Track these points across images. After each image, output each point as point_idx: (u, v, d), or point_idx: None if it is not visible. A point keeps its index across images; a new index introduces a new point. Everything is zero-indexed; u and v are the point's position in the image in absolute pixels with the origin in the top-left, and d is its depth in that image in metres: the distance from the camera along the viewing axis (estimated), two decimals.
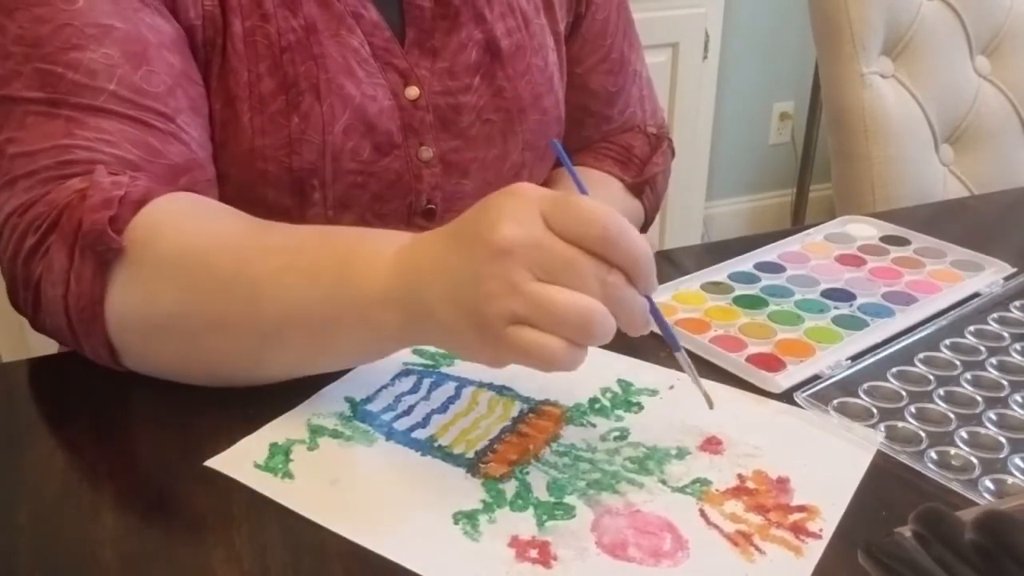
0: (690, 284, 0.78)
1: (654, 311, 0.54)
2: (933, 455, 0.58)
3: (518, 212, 0.50)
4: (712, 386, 0.66)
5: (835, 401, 0.63)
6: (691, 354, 0.69)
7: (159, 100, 0.66)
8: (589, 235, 0.49)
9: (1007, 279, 0.80)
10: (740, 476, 0.57)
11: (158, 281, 0.60)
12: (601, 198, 0.88)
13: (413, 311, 0.54)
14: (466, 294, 0.50)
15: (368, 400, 0.63)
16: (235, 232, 0.62)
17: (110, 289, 0.60)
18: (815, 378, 0.66)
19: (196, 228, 0.62)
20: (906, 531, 0.45)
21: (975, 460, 0.58)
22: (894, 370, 0.67)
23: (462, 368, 0.67)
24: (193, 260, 0.60)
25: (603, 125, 0.94)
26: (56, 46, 0.63)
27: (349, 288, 0.56)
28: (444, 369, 0.67)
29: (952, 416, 0.62)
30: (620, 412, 0.63)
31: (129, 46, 0.65)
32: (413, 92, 0.77)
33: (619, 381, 0.66)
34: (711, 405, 0.58)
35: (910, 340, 0.70)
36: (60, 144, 0.62)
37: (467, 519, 0.53)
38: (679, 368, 0.67)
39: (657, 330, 0.56)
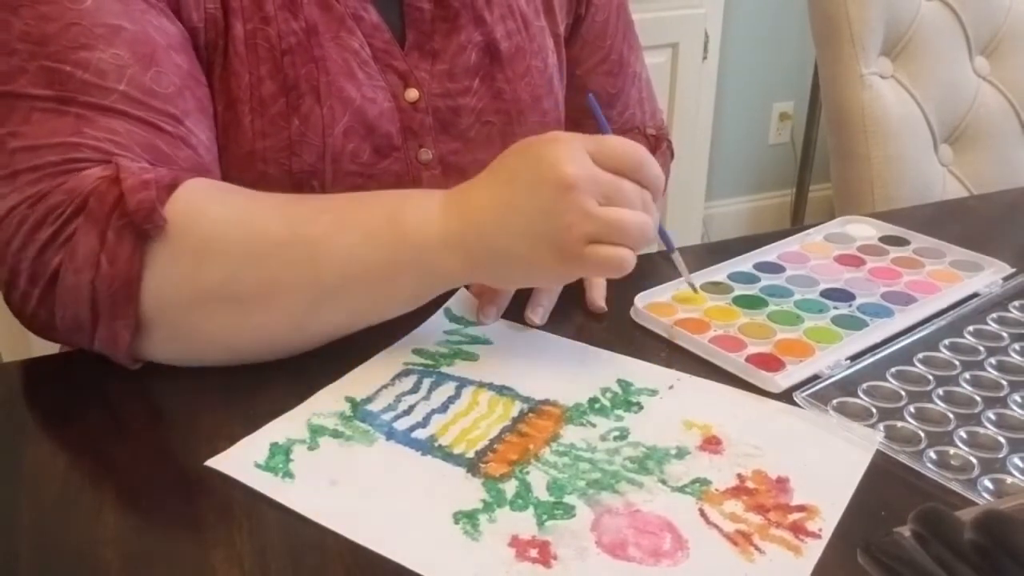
0: (695, 281, 0.78)
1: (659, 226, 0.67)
2: (932, 455, 0.58)
3: (572, 154, 0.61)
4: (712, 386, 0.66)
5: (834, 401, 0.63)
6: (691, 354, 0.69)
7: (169, 102, 0.66)
8: (628, 165, 0.62)
9: (1006, 279, 0.80)
10: (740, 476, 0.57)
11: (208, 250, 0.61)
12: None
13: (480, 252, 0.62)
14: (544, 227, 0.60)
15: (368, 400, 0.63)
16: (278, 201, 0.65)
17: (150, 267, 0.60)
18: (814, 378, 0.66)
19: (238, 200, 0.64)
20: (905, 531, 0.46)
21: (974, 460, 0.58)
22: (893, 370, 0.67)
23: (462, 368, 0.67)
24: (244, 227, 0.62)
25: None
26: (64, 44, 0.63)
27: (407, 238, 0.62)
28: (444, 369, 0.67)
29: (951, 416, 0.62)
30: (620, 412, 0.63)
31: (138, 47, 0.65)
32: (413, 94, 0.78)
33: (619, 381, 0.66)
34: (695, 289, 0.73)
35: (909, 340, 0.71)
36: (69, 141, 0.62)
37: (467, 519, 0.53)
38: (679, 369, 0.67)
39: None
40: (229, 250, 0.62)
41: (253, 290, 0.62)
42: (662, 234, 0.69)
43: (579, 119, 0.93)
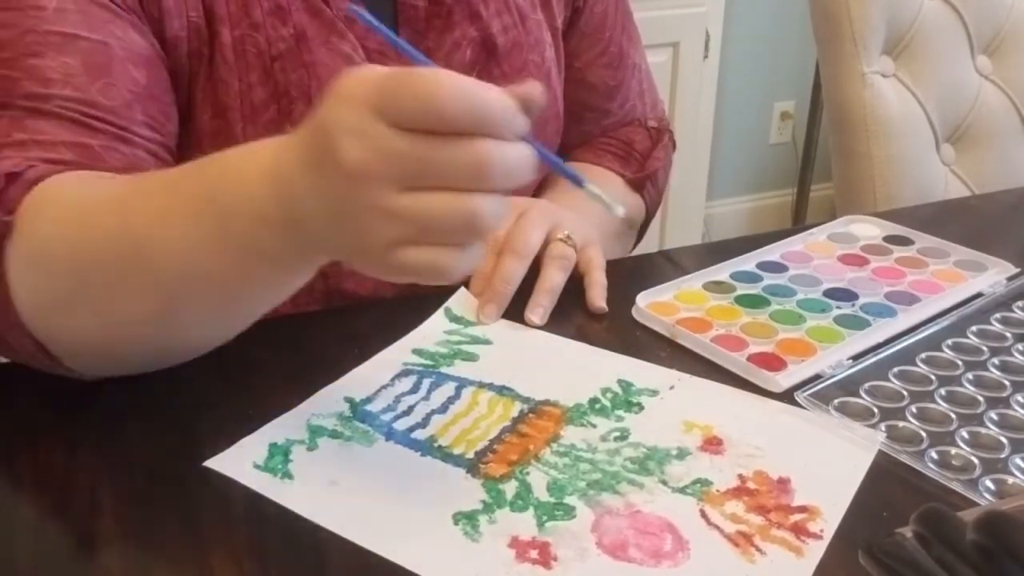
0: (692, 283, 0.78)
1: (542, 154, 0.49)
2: (934, 455, 0.58)
3: (352, 121, 0.45)
4: (713, 386, 0.65)
5: (836, 401, 0.63)
6: (692, 353, 0.69)
7: (113, 112, 0.64)
8: (429, 117, 0.44)
9: (1010, 279, 0.80)
10: (741, 476, 0.57)
11: (48, 255, 0.58)
12: None
13: (297, 235, 0.50)
14: (340, 225, 0.47)
15: (368, 400, 0.63)
16: (115, 188, 0.58)
17: (11, 276, 0.58)
18: (816, 378, 0.65)
19: (80, 193, 0.59)
20: (907, 531, 0.45)
21: (976, 460, 0.58)
22: (895, 370, 0.67)
23: (462, 368, 0.67)
24: (75, 227, 0.57)
25: (603, 119, 0.94)
26: (18, 51, 0.63)
27: (226, 221, 0.51)
28: (444, 369, 0.67)
29: (953, 416, 0.62)
30: (620, 412, 0.62)
31: (92, 57, 0.64)
32: None
33: (619, 381, 0.65)
34: (616, 209, 0.51)
35: (912, 340, 0.70)
36: None
37: (467, 519, 0.53)
38: (679, 368, 0.67)
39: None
40: (66, 254, 0.57)
41: (98, 292, 0.57)
42: (555, 167, 0.52)
43: (579, 113, 0.93)
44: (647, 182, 0.93)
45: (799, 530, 0.52)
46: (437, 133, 0.44)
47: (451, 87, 0.44)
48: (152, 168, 0.67)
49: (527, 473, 0.57)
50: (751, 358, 0.68)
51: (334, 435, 0.60)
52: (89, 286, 0.57)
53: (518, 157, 0.46)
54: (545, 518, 0.53)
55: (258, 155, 0.51)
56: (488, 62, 0.81)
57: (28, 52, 0.63)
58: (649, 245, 0.99)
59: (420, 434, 0.60)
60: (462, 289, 0.74)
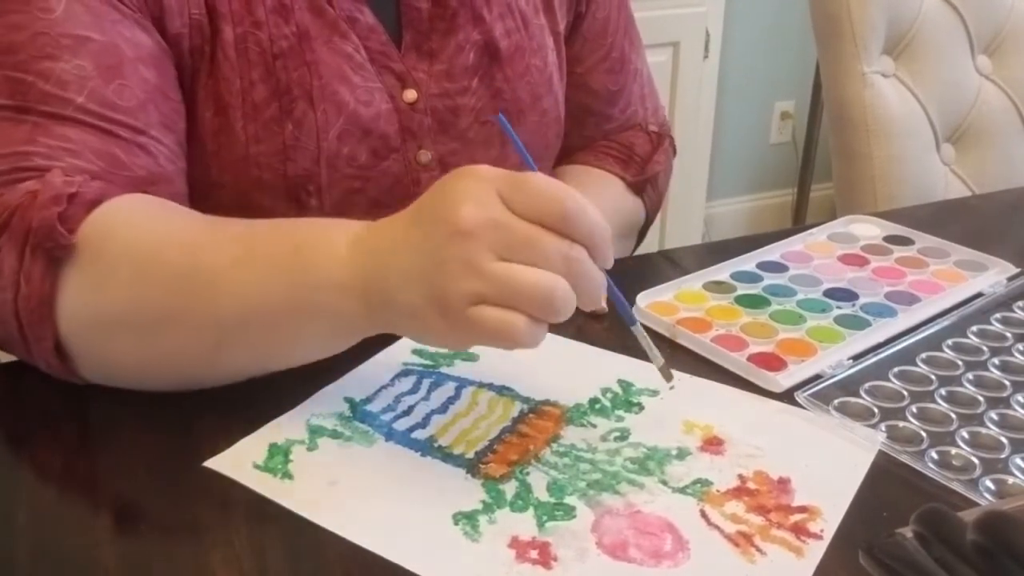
0: (692, 283, 0.78)
1: (610, 287, 0.56)
2: (934, 455, 0.58)
3: (477, 193, 0.51)
4: (713, 386, 0.65)
5: (836, 401, 0.63)
6: (692, 353, 0.69)
7: (129, 114, 0.65)
8: (548, 212, 0.50)
9: (1010, 279, 0.80)
10: (741, 476, 0.57)
11: (112, 277, 0.59)
12: (602, 197, 0.88)
13: (374, 297, 0.54)
14: (428, 276, 0.51)
15: (368, 400, 0.63)
16: (189, 226, 0.61)
17: (62, 288, 0.59)
18: (816, 378, 0.65)
19: (149, 225, 0.61)
20: (907, 531, 0.45)
21: (976, 460, 0.58)
22: (896, 370, 0.67)
23: (462, 368, 0.67)
24: (147, 255, 0.59)
25: (604, 124, 0.94)
26: (30, 54, 0.63)
27: (308, 277, 0.56)
28: (444, 369, 0.67)
29: (953, 416, 0.62)
30: (621, 412, 0.62)
31: (103, 59, 0.64)
32: (411, 95, 0.77)
33: (619, 381, 0.65)
34: (668, 379, 0.60)
35: (912, 340, 0.70)
36: (20, 150, 0.61)
37: (467, 520, 0.53)
38: (680, 368, 0.67)
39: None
40: (129, 279, 0.59)
41: (154, 321, 0.59)
42: (615, 298, 0.58)
43: (581, 117, 0.93)
44: (647, 185, 0.93)
45: (799, 530, 0.52)
46: (546, 226, 0.50)
47: (577, 197, 0.51)
48: (173, 174, 0.68)
49: (527, 473, 0.57)
50: (751, 358, 0.68)
51: (334, 435, 0.60)
52: (147, 314, 0.59)
53: (599, 278, 0.53)
54: (545, 518, 0.53)
55: (345, 224, 0.57)
56: (491, 66, 0.81)
57: (41, 55, 0.63)
58: (649, 245, 0.99)
59: (420, 434, 0.60)
60: None
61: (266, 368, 0.61)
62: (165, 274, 0.59)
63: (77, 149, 0.62)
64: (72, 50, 0.63)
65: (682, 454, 0.58)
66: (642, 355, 0.68)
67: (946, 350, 0.69)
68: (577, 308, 0.51)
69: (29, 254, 0.58)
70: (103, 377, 0.63)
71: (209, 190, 0.73)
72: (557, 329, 0.71)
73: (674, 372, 0.66)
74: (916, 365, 0.67)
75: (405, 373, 0.66)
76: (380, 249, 0.54)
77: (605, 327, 0.73)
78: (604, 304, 0.73)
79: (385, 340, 0.68)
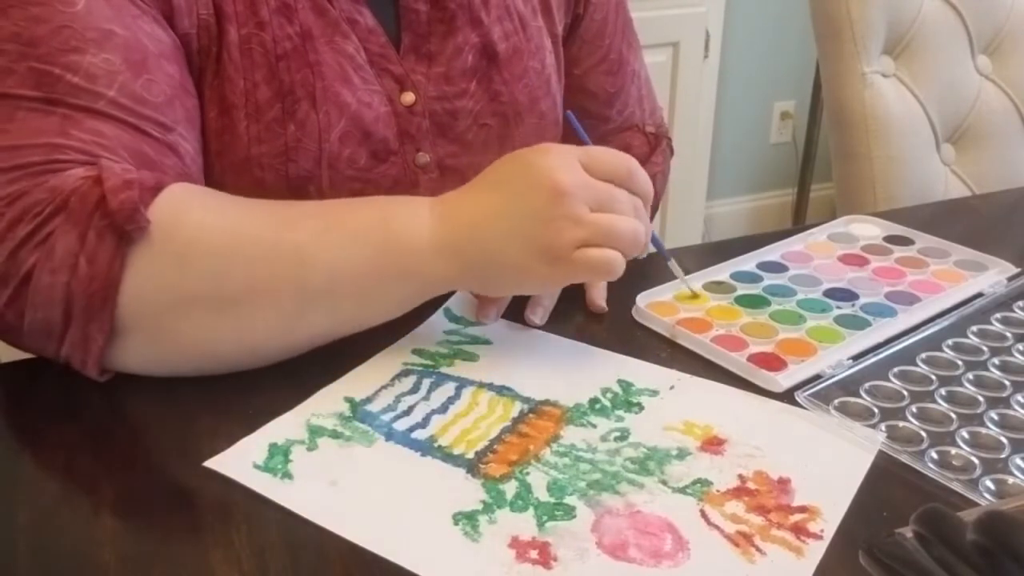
0: (692, 283, 0.78)
1: (652, 231, 0.69)
2: (934, 455, 0.58)
3: (564, 162, 0.62)
4: (713, 386, 0.66)
5: (836, 401, 0.63)
6: (692, 353, 0.69)
7: (158, 110, 0.65)
8: (619, 174, 0.64)
9: (1010, 279, 0.80)
10: (741, 476, 0.57)
11: (192, 253, 0.60)
12: None
13: (470, 257, 0.63)
14: (534, 231, 0.61)
15: (368, 400, 0.63)
16: (265, 205, 0.65)
17: (129, 269, 0.59)
18: (816, 378, 0.65)
19: (223, 204, 0.64)
20: (907, 531, 0.45)
21: (976, 460, 0.58)
22: (896, 370, 0.67)
23: (462, 368, 0.67)
24: (229, 229, 0.61)
25: (602, 126, 0.94)
26: (54, 47, 0.62)
27: (396, 242, 0.63)
28: (444, 369, 0.67)
29: (953, 416, 0.62)
30: (620, 412, 0.62)
31: (130, 53, 0.64)
32: (409, 98, 0.77)
33: (619, 381, 0.65)
34: (693, 292, 0.76)
35: (912, 340, 0.70)
36: (53, 142, 0.61)
37: (467, 519, 0.53)
38: (680, 368, 0.67)
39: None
40: (213, 253, 0.61)
41: (238, 294, 0.61)
42: (655, 242, 0.72)
43: (578, 120, 0.93)
44: None
45: (799, 530, 0.52)
46: (615, 184, 0.64)
47: (634, 161, 0.65)
48: (196, 175, 0.69)
49: (527, 473, 0.57)
50: (751, 358, 0.68)
51: (334, 435, 0.60)
52: (229, 289, 0.61)
53: (649, 224, 0.67)
54: (545, 518, 0.53)
55: (416, 198, 0.66)
56: (489, 68, 0.80)
57: (66, 47, 0.62)
58: (649, 245, 0.99)
59: (420, 434, 0.60)
60: None
61: (340, 333, 0.65)
62: (248, 248, 0.61)
63: (111, 145, 0.62)
64: (98, 43, 0.63)
65: (682, 454, 0.59)
66: (642, 356, 0.68)
67: (946, 350, 0.69)
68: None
69: (95, 236, 0.58)
70: (158, 362, 0.63)
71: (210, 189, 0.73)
72: (557, 329, 0.71)
73: (674, 372, 0.67)
74: (916, 365, 0.67)
75: (405, 373, 0.66)
76: (472, 217, 0.63)
77: (605, 327, 0.73)
78: (604, 304, 0.73)
79: (385, 340, 0.68)
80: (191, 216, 0.61)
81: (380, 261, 0.62)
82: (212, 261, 0.61)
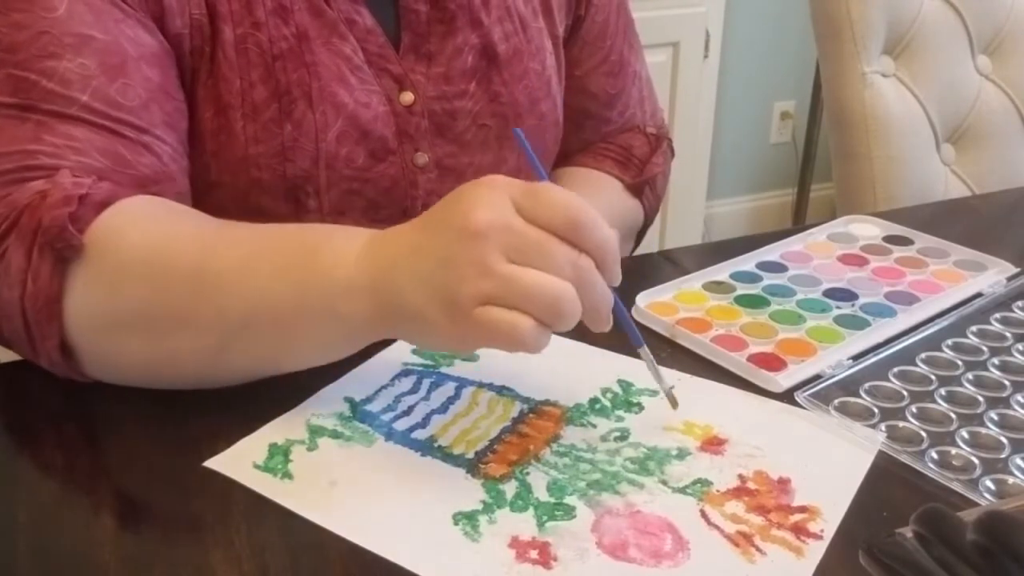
0: (692, 283, 0.78)
1: (617, 305, 0.56)
2: (934, 455, 0.58)
3: (490, 199, 0.52)
4: (713, 386, 0.65)
5: (836, 401, 0.63)
6: (692, 353, 0.69)
7: (133, 113, 0.65)
8: (559, 221, 0.51)
9: (1010, 279, 0.80)
10: (741, 476, 0.57)
11: (122, 277, 0.60)
12: (600, 199, 0.88)
13: (382, 298, 0.55)
14: (438, 276, 0.52)
15: (368, 400, 0.63)
16: (199, 228, 0.62)
17: (70, 288, 0.59)
18: (816, 378, 0.65)
19: (159, 226, 0.62)
20: (907, 531, 0.45)
21: (976, 460, 0.58)
22: (896, 370, 0.67)
23: (462, 368, 0.67)
24: (157, 255, 0.60)
25: (602, 127, 0.94)
26: (32, 53, 0.63)
27: (316, 278, 0.56)
28: (444, 369, 0.67)
29: (953, 416, 0.62)
30: (620, 412, 0.62)
31: (107, 57, 0.64)
32: (408, 98, 0.77)
33: (619, 381, 0.65)
34: (674, 405, 0.61)
35: (912, 340, 0.70)
36: (26, 149, 0.61)
37: (467, 520, 0.53)
38: (680, 368, 0.67)
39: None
40: (139, 278, 0.60)
41: (162, 321, 0.59)
42: (621, 318, 0.58)
43: (580, 121, 0.93)
44: (646, 187, 0.93)
45: (799, 530, 0.52)
46: (556, 235, 0.51)
47: (588, 210, 0.52)
48: (176, 173, 0.69)
49: (527, 473, 0.57)
50: (751, 358, 0.68)
51: (334, 435, 0.60)
52: (154, 315, 0.59)
53: (606, 292, 0.54)
54: (545, 518, 0.53)
55: (354, 230, 0.58)
56: (489, 69, 0.80)
57: (43, 53, 0.63)
58: (649, 245, 0.99)
59: (420, 434, 0.60)
60: None
61: (267, 372, 0.61)
62: (173, 276, 0.59)
63: (83, 148, 0.62)
64: (75, 49, 0.63)
65: (682, 454, 0.59)
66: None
67: (946, 350, 0.69)
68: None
69: (37, 253, 0.59)
70: (108, 375, 0.63)
71: (208, 190, 0.73)
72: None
73: (674, 372, 0.66)
74: (916, 365, 0.67)
75: (405, 373, 0.66)
76: (390, 253, 0.55)
77: None
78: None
79: (385, 340, 0.68)
80: (125, 239, 0.60)
81: (299, 297, 0.56)
82: (138, 288, 0.59)
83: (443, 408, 0.62)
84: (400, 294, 0.54)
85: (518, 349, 0.52)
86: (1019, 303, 0.76)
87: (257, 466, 0.57)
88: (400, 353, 0.68)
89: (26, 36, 0.63)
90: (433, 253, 0.52)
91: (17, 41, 0.63)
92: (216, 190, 0.73)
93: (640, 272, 0.74)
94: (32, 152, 0.61)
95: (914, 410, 0.62)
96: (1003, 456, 0.58)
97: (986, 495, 0.55)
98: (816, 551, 0.51)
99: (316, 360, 0.61)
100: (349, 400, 0.63)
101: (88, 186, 0.60)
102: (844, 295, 0.77)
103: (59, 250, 0.58)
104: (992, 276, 0.80)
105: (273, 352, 0.60)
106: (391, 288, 0.54)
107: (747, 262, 0.82)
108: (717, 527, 0.53)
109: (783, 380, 0.65)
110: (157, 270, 0.59)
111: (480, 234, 0.51)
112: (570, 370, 0.67)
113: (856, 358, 0.68)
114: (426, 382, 0.65)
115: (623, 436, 0.60)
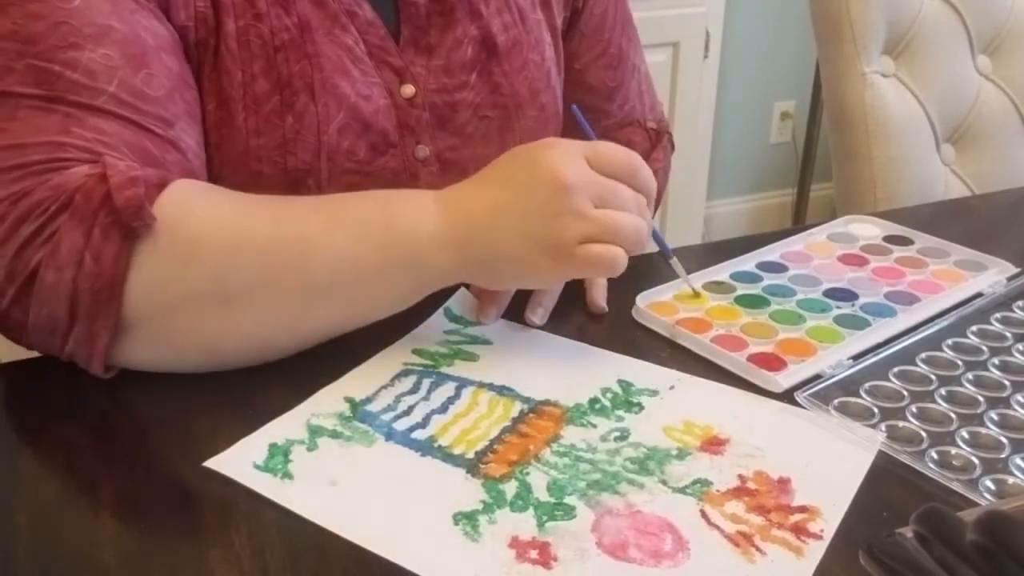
0: (694, 282, 0.78)
1: (654, 230, 0.70)
2: (934, 455, 0.58)
3: (569, 158, 0.63)
4: (713, 386, 0.65)
5: (836, 401, 0.63)
6: (692, 353, 0.69)
7: (159, 104, 0.65)
8: (622, 170, 0.64)
9: (1010, 279, 0.80)
10: (741, 476, 0.57)
11: (197, 250, 0.60)
12: None
13: (475, 251, 0.63)
14: (538, 227, 0.62)
15: (368, 400, 0.63)
16: (268, 200, 0.65)
17: (135, 266, 0.59)
18: (816, 378, 0.65)
19: (224, 199, 0.64)
20: (907, 531, 0.45)
21: (976, 460, 0.58)
22: (896, 370, 0.67)
23: (462, 368, 0.67)
24: (233, 226, 0.62)
25: (602, 120, 0.94)
26: (52, 44, 0.62)
27: (400, 235, 0.63)
28: (444, 369, 0.67)
29: (953, 416, 0.62)
30: (620, 412, 0.62)
31: (128, 48, 0.64)
32: (409, 90, 0.77)
33: (619, 381, 0.65)
34: (695, 290, 0.76)
35: (912, 340, 0.70)
36: (55, 140, 0.61)
37: (467, 519, 0.53)
38: (680, 368, 0.67)
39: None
40: (217, 249, 0.61)
41: (242, 290, 0.61)
42: (657, 239, 0.72)
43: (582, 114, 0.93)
44: None
45: (799, 530, 0.52)
46: (619, 180, 0.64)
47: (639, 158, 0.66)
48: (198, 170, 0.69)
49: (527, 473, 0.57)
50: (751, 358, 0.68)
51: (334, 435, 0.60)
52: (235, 285, 0.61)
53: (651, 221, 0.67)
54: (545, 518, 0.53)
55: (428, 193, 0.66)
56: (488, 60, 0.81)
57: (65, 44, 0.62)
58: (649, 245, 0.99)
59: (420, 434, 0.60)
60: (462, 289, 0.74)
61: (344, 328, 0.65)
62: (251, 244, 0.61)
63: (112, 143, 0.62)
64: (96, 39, 0.63)
65: (682, 454, 0.59)
66: (642, 356, 0.68)
67: (946, 350, 0.69)
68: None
69: (99, 233, 0.58)
70: (161, 358, 0.63)
71: (210, 183, 0.73)
72: (557, 329, 0.71)
73: (674, 372, 0.67)
74: (916, 365, 0.67)
75: (405, 373, 0.66)
76: (474, 210, 0.63)
77: (605, 327, 0.73)
78: (604, 304, 0.73)
79: (385, 341, 0.68)
80: (195, 213, 0.61)
81: (384, 253, 0.63)
82: (216, 258, 0.61)
83: (443, 408, 0.62)
84: (494, 245, 0.63)
85: (614, 274, 0.64)
86: (1019, 303, 0.76)
87: (257, 466, 0.57)
88: (400, 353, 0.68)
89: (43, 27, 0.62)
90: (527, 208, 0.62)
91: (35, 32, 0.62)
92: (218, 183, 0.72)
93: (640, 272, 0.74)
94: (62, 144, 0.61)
95: (914, 410, 0.62)
96: (1003, 456, 0.58)
97: (986, 495, 0.55)
98: (816, 551, 0.51)
99: (394, 309, 0.66)
100: (349, 400, 0.63)
101: (139, 169, 0.61)
102: (844, 295, 0.77)
103: (132, 229, 0.58)
104: (992, 276, 0.80)
105: (355, 307, 0.64)
106: (482, 241, 0.63)
107: (747, 262, 0.82)
108: (717, 527, 0.53)
109: (783, 380, 0.65)
110: (234, 240, 0.61)
111: (572, 188, 0.61)
112: (570, 370, 0.67)
113: (856, 358, 0.68)
114: (426, 382, 0.65)
115: (623, 436, 0.60)
